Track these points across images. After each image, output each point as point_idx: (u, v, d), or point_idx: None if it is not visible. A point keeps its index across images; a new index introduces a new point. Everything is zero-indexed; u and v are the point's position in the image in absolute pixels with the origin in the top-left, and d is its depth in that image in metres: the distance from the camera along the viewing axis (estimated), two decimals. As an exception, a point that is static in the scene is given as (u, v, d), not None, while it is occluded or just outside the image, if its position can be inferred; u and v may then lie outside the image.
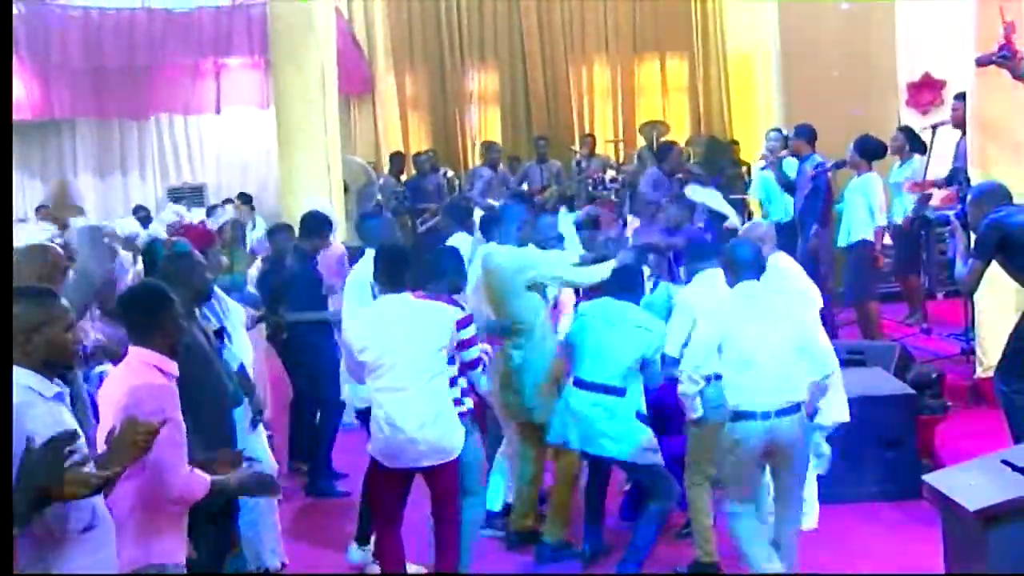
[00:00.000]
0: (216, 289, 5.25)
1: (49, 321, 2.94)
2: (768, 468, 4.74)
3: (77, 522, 2.81)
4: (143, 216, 11.65)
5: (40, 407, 2.85)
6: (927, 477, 4.67)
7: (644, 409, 5.08)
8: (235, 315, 5.39)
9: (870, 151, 8.37)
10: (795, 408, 4.57)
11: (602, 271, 5.53)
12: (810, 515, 5.37)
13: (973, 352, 7.36)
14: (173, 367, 3.48)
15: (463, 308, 5.05)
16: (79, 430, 2.93)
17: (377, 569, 5.17)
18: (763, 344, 4.56)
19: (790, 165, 9.10)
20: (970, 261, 5.57)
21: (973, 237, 5.71)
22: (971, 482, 4.25)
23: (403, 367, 4.60)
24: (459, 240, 6.70)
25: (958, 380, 7.18)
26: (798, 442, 4.64)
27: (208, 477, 3.42)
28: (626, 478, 5.70)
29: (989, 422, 6.22)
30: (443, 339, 4.64)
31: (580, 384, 5.15)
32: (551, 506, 5.53)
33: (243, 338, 5.42)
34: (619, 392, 5.03)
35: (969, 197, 5.88)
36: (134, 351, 3.49)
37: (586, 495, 5.50)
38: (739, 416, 4.56)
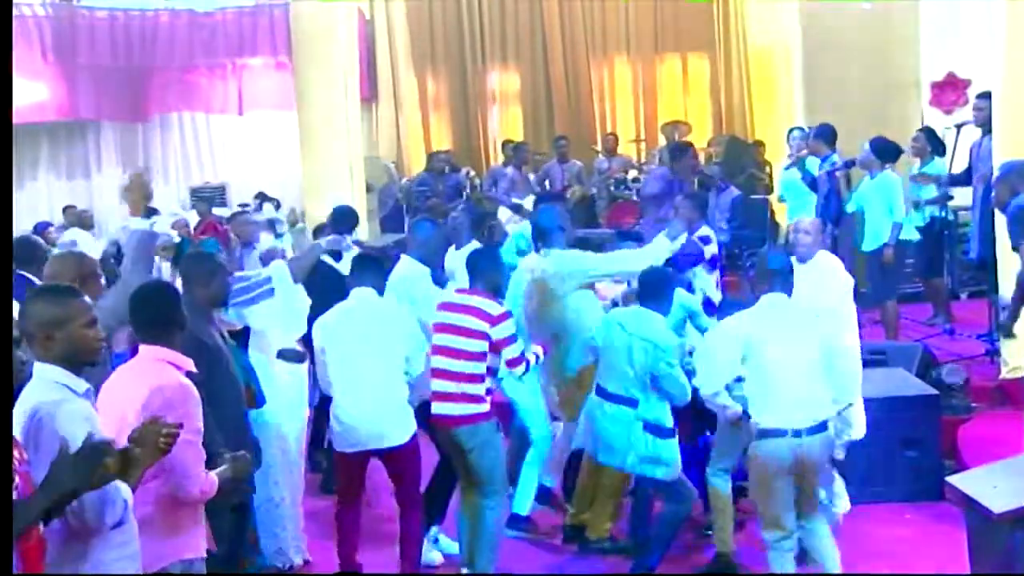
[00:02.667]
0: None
1: (70, 317, 2.95)
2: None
3: (112, 516, 2.83)
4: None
5: (75, 403, 2.88)
6: (950, 479, 4.65)
7: (662, 420, 5.01)
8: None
9: (885, 152, 8.32)
10: (823, 427, 4.50)
11: (647, 257, 5.55)
12: (842, 498, 5.35)
13: (998, 353, 7.31)
14: (188, 363, 3.51)
15: (501, 304, 5.10)
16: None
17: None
18: (788, 359, 4.46)
19: (813, 164, 9.07)
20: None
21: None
22: (995, 484, 4.23)
23: (355, 363, 4.88)
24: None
25: (982, 381, 7.13)
26: (825, 461, 4.61)
27: (215, 476, 3.46)
28: None
29: (1014, 424, 6.17)
30: (396, 339, 4.91)
31: (599, 391, 5.16)
32: (596, 503, 5.55)
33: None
34: (631, 403, 5.01)
35: (996, 175, 5.78)
36: (145, 349, 3.50)
37: (633, 495, 5.54)
38: (767, 434, 4.46)
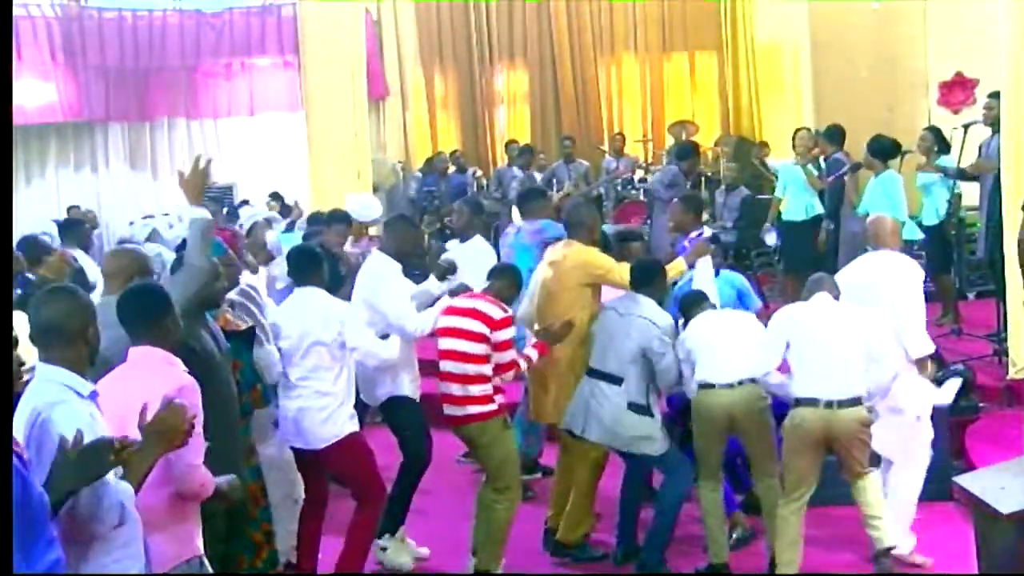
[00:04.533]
0: (253, 285, 5.32)
1: (93, 317, 3.01)
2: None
3: (109, 520, 2.84)
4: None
5: (77, 403, 2.89)
6: (958, 479, 4.64)
7: (642, 400, 5.11)
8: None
9: (882, 151, 8.32)
10: (856, 401, 4.88)
11: None
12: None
13: (1005, 353, 7.30)
14: (180, 363, 3.51)
15: (505, 310, 5.16)
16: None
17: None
18: (826, 342, 4.93)
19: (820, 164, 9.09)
20: None
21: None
22: (1003, 484, 4.21)
23: (297, 357, 4.97)
24: (477, 244, 6.76)
25: (990, 381, 7.12)
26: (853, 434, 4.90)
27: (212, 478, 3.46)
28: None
29: (1021, 424, 6.16)
30: (328, 334, 4.92)
31: (589, 371, 5.26)
32: (569, 506, 5.54)
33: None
34: (615, 380, 5.12)
35: None
36: (140, 351, 3.47)
37: (621, 496, 5.53)
38: (799, 402, 4.94)
